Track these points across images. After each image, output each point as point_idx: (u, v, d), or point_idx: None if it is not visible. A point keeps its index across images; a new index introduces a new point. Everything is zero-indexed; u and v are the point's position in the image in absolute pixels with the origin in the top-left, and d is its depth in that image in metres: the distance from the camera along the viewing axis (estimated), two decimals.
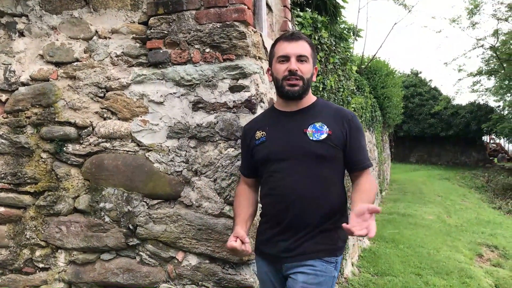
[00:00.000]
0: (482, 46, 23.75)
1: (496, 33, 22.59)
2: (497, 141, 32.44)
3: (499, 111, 25.72)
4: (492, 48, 22.84)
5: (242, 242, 1.97)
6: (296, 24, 3.67)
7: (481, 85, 26.17)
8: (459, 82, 29.66)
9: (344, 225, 1.70)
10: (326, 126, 1.95)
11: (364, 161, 2.02)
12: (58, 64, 2.84)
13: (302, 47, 1.98)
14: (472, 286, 5.08)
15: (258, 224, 2.20)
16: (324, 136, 1.93)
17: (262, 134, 2.06)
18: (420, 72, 29.99)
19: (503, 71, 22.17)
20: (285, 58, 1.97)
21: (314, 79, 2.08)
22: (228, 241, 1.98)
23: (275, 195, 1.98)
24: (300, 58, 1.96)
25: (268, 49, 2.77)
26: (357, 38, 11.74)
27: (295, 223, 1.93)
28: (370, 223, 1.65)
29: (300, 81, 1.95)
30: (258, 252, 2.13)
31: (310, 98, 2.08)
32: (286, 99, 2.03)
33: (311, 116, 2.00)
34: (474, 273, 5.59)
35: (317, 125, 1.96)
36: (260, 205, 2.21)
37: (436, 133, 27.18)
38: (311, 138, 1.93)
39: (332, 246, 1.97)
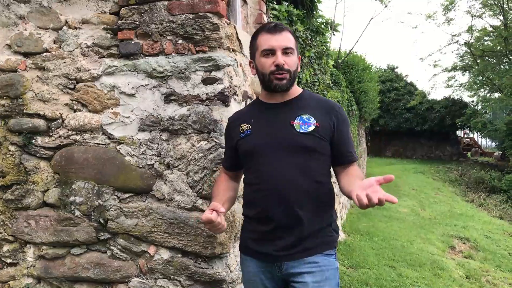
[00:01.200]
0: (457, 42, 24.16)
1: (470, 29, 22.99)
2: (471, 135, 33.06)
3: (472, 106, 26.20)
4: (466, 44, 23.23)
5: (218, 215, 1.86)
6: (271, 17, 3.66)
7: (456, 80, 26.64)
8: (434, 77, 30.30)
9: (357, 194, 1.54)
10: (313, 118, 1.90)
11: (353, 153, 1.98)
12: (26, 55, 2.77)
13: (287, 39, 1.92)
14: (444, 277, 5.18)
15: (243, 221, 2.11)
16: (311, 128, 1.88)
17: (247, 127, 2.00)
18: (397, 67, 30.33)
19: (477, 67, 22.59)
20: (270, 52, 1.90)
21: (298, 69, 2.02)
22: (204, 214, 1.86)
23: (265, 189, 1.90)
24: (286, 51, 1.90)
25: (242, 42, 2.76)
26: (334, 32, 11.76)
27: (289, 218, 1.86)
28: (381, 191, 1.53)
29: (287, 74, 1.90)
30: (247, 251, 2.03)
31: (296, 90, 2.03)
32: (273, 92, 1.97)
33: (297, 108, 1.95)
34: (446, 265, 5.70)
35: (304, 117, 1.91)
36: (240, 201, 2.14)
37: (411, 127, 27.56)
38: (298, 130, 1.88)
39: (330, 238, 1.93)
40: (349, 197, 1.78)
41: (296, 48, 1.96)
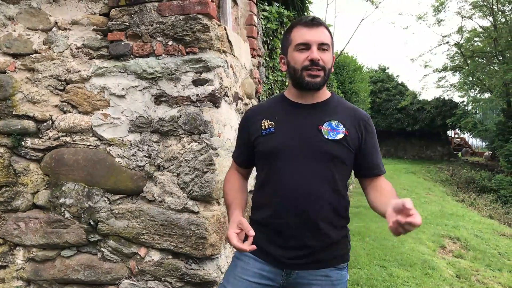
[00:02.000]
0: (447, 42, 24.31)
1: (460, 30, 23.16)
2: (461, 135, 33.31)
3: (463, 106, 26.39)
4: (456, 45, 23.38)
5: (242, 230, 1.70)
6: (262, 18, 3.66)
7: (446, 81, 26.84)
8: (425, 77, 30.37)
9: (391, 226, 1.53)
10: (342, 126, 1.77)
11: (380, 166, 1.87)
12: (15, 56, 2.75)
13: (324, 35, 1.77)
14: (434, 277, 5.20)
15: (251, 224, 1.85)
16: (340, 136, 1.76)
17: (270, 124, 1.83)
18: (388, 68, 30.51)
19: (467, 67, 22.74)
20: (306, 46, 1.75)
21: (332, 69, 1.88)
22: (230, 230, 1.70)
23: (282, 196, 1.76)
24: (322, 47, 1.76)
25: (233, 43, 2.76)
26: None
27: (306, 226, 1.74)
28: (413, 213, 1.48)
29: (321, 72, 1.76)
30: (255, 250, 1.79)
31: (326, 92, 1.89)
32: (304, 91, 1.82)
33: (326, 113, 1.81)
34: (436, 265, 5.72)
35: (333, 123, 1.78)
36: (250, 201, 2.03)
37: (402, 127, 27.74)
38: (326, 136, 1.75)
39: (343, 251, 1.84)
40: (383, 216, 1.68)
41: (332, 45, 1.83)
